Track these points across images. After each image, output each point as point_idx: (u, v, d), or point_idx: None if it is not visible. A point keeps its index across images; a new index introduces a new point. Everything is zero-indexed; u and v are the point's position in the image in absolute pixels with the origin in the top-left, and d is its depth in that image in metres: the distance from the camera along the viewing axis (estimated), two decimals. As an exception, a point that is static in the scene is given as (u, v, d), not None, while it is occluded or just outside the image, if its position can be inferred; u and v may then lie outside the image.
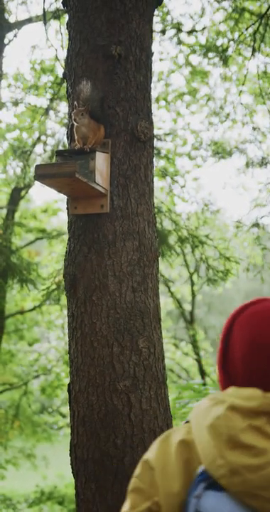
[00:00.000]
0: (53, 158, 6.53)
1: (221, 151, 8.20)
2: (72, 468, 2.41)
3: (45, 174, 2.20)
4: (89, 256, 2.36)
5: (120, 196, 2.38)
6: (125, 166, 2.40)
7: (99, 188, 2.30)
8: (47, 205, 11.38)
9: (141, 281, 2.38)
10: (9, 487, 12.00)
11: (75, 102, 2.30)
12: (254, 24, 4.54)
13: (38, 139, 8.01)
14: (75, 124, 2.30)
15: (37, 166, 2.22)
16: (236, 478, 1.04)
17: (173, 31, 7.53)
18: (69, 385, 2.46)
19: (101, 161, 2.32)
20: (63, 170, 2.16)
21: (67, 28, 2.59)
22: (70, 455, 2.41)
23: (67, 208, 2.50)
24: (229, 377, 1.24)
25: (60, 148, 6.82)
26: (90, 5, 2.47)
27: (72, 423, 2.41)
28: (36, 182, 9.05)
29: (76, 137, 2.33)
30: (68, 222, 2.51)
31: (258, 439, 1.06)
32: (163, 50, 7.86)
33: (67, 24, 2.60)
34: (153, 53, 2.57)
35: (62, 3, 2.65)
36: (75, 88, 2.40)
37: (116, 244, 2.35)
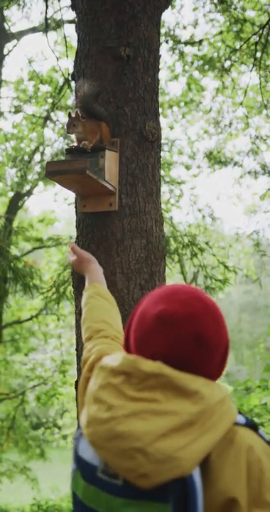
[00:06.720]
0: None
1: (217, 161, 8.26)
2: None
3: (55, 171, 2.20)
4: (97, 253, 2.36)
5: (128, 195, 2.40)
6: (133, 165, 2.43)
7: (108, 186, 2.32)
8: (44, 214, 11.42)
9: (148, 278, 2.39)
10: (4, 500, 11.85)
11: (69, 111, 2.32)
12: (255, 34, 4.59)
13: (37, 148, 8.05)
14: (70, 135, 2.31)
15: (48, 163, 2.23)
16: (89, 429, 1.15)
17: (171, 42, 7.61)
18: (76, 382, 2.46)
19: (110, 160, 2.34)
20: (74, 166, 2.17)
21: (76, 31, 2.62)
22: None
23: (76, 207, 2.52)
24: (127, 348, 1.30)
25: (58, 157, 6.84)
26: (99, 7, 2.51)
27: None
28: (33, 192, 9.06)
29: (76, 144, 2.35)
30: (76, 220, 2.52)
31: (110, 396, 1.15)
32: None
33: (75, 26, 2.64)
34: (160, 56, 2.61)
35: (70, 6, 2.68)
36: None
37: (125, 242, 2.37)
